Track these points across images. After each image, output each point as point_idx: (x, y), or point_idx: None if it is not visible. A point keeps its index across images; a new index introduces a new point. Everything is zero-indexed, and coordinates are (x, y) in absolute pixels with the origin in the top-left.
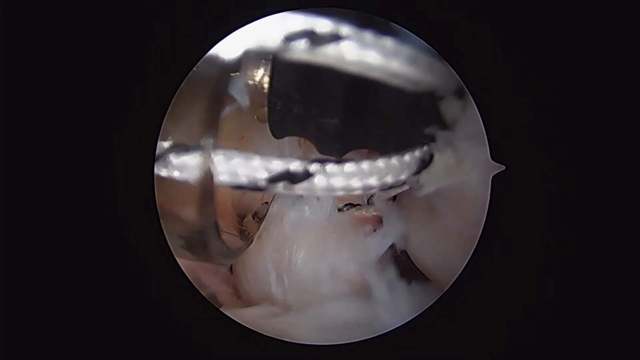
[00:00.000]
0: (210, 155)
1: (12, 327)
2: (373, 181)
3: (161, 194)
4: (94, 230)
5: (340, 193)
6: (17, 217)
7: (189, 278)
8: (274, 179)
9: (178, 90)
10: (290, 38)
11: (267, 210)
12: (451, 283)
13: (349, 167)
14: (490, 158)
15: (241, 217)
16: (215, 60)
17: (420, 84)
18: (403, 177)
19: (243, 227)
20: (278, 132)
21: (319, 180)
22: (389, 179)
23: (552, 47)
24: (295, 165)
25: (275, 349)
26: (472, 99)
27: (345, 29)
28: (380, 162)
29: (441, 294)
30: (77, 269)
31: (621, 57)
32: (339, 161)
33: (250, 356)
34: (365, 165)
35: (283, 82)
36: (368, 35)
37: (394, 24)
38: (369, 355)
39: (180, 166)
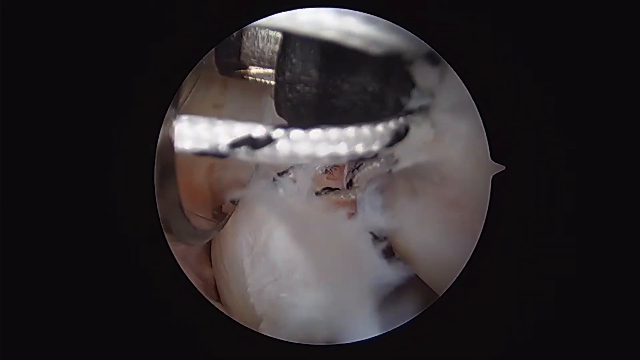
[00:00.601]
0: (171, 124)
1: (10, 322)
2: (341, 149)
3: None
4: (95, 228)
5: (306, 161)
6: (17, 215)
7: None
8: (235, 144)
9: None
10: None
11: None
12: (450, 283)
13: (314, 133)
14: (490, 158)
15: (219, 205)
16: None
17: (382, 44)
18: (375, 147)
19: (221, 213)
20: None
21: (281, 147)
22: (360, 149)
23: (553, 46)
24: (258, 130)
25: (275, 349)
26: (452, 69)
27: None
28: (350, 130)
29: (441, 294)
30: (77, 266)
31: (621, 53)
32: (305, 127)
33: (248, 355)
34: (333, 132)
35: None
36: None
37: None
38: (368, 356)
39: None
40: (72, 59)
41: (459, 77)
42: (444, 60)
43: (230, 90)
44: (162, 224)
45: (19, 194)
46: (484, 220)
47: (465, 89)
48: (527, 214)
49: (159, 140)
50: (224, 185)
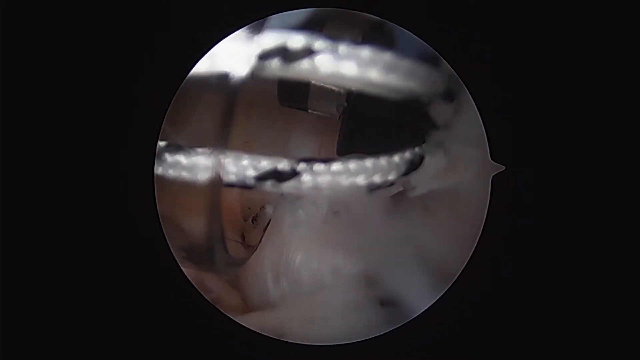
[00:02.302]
0: (220, 160)
1: (15, 336)
2: (360, 180)
3: (163, 201)
4: (101, 232)
5: (328, 192)
6: (22, 222)
7: (192, 282)
8: (261, 177)
9: (178, 93)
10: (263, 57)
11: (270, 219)
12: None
13: (336, 166)
14: (490, 158)
15: (244, 227)
16: (225, 75)
17: (401, 91)
18: (391, 177)
19: (245, 233)
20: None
21: (305, 179)
22: (377, 179)
23: (554, 48)
24: (283, 164)
25: (276, 349)
26: (472, 100)
27: (318, 43)
28: (368, 162)
29: (440, 296)
30: (83, 270)
31: (621, 58)
32: (326, 160)
33: (251, 356)
34: (352, 164)
35: None
36: (342, 47)
37: (392, 24)
38: (368, 356)
39: (187, 167)
40: (75, 59)
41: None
42: (465, 94)
43: (255, 126)
44: (195, 258)
45: (19, 196)
46: (483, 223)
47: (479, 118)
48: (526, 215)
49: (207, 171)
50: (254, 205)
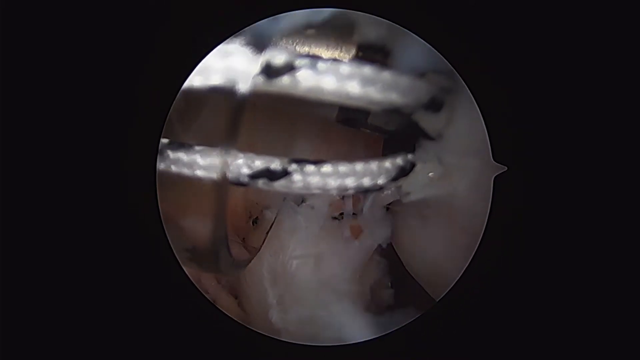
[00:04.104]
0: (227, 162)
1: (15, 335)
2: (349, 182)
3: (166, 201)
4: (102, 231)
5: (317, 191)
6: (22, 221)
7: (193, 282)
8: (254, 176)
9: (182, 91)
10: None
11: (273, 221)
12: (449, 289)
13: (326, 168)
14: (492, 159)
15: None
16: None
17: (380, 103)
18: (380, 181)
19: (245, 235)
20: None
21: (296, 179)
22: (366, 182)
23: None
24: (275, 164)
25: (276, 349)
26: (468, 109)
27: (298, 60)
28: (358, 166)
29: (439, 299)
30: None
31: (622, 58)
32: (317, 162)
33: (251, 356)
34: (342, 167)
35: None
36: (321, 63)
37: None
38: (367, 357)
39: (187, 165)
40: (75, 59)
41: (475, 107)
42: (450, 106)
43: (260, 128)
44: (199, 259)
45: (19, 196)
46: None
47: (482, 123)
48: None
49: (215, 172)
50: (255, 208)
